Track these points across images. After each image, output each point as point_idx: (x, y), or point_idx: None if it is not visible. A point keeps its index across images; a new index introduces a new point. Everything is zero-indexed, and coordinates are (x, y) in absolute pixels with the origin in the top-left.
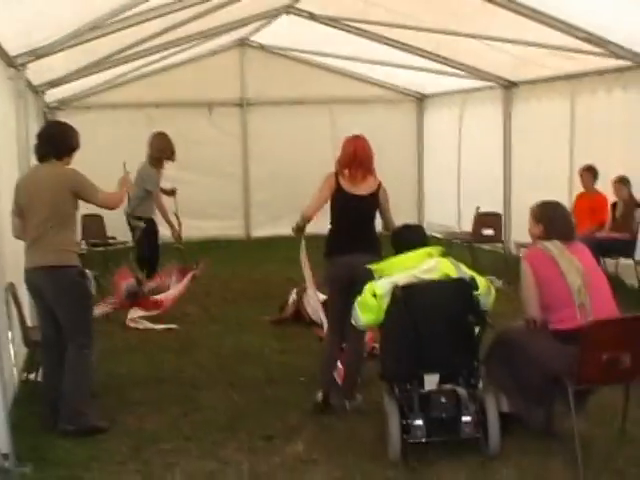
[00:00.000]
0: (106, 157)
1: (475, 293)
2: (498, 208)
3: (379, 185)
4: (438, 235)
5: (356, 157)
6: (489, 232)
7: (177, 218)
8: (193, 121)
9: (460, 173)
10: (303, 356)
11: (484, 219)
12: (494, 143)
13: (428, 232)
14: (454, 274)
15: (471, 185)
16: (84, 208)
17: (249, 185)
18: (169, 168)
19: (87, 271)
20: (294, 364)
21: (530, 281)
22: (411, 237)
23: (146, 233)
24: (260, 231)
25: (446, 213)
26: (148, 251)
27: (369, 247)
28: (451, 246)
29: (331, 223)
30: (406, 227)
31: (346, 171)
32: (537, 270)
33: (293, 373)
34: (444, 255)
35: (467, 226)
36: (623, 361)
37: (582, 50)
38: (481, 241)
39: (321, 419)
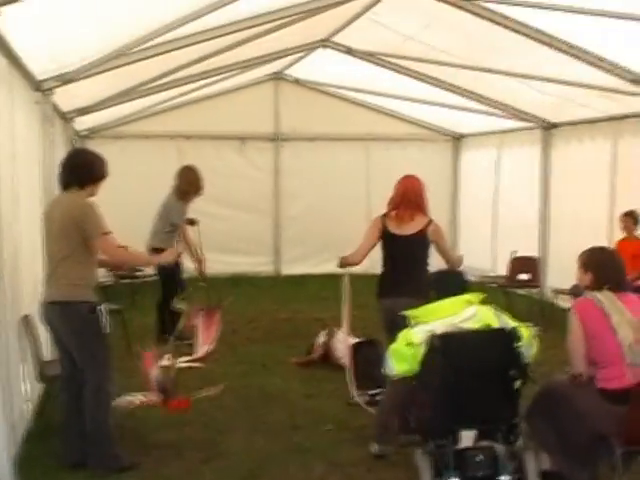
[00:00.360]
0: (135, 188)
1: (517, 345)
2: (534, 252)
3: (428, 223)
4: (471, 278)
5: (404, 197)
6: (525, 277)
7: (201, 252)
8: (224, 154)
9: (496, 215)
10: (330, 402)
11: (520, 263)
12: (532, 185)
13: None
14: (495, 324)
15: (507, 228)
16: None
17: (280, 221)
18: (198, 201)
19: (101, 307)
20: (320, 410)
21: (578, 334)
22: (450, 282)
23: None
24: (290, 269)
25: (480, 256)
26: (169, 284)
27: (414, 290)
28: (485, 290)
29: (382, 265)
30: (445, 272)
31: (393, 212)
32: (586, 323)
33: (319, 420)
34: (485, 303)
35: (502, 270)
36: None
37: (627, 91)
38: (516, 286)
39: (348, 470)
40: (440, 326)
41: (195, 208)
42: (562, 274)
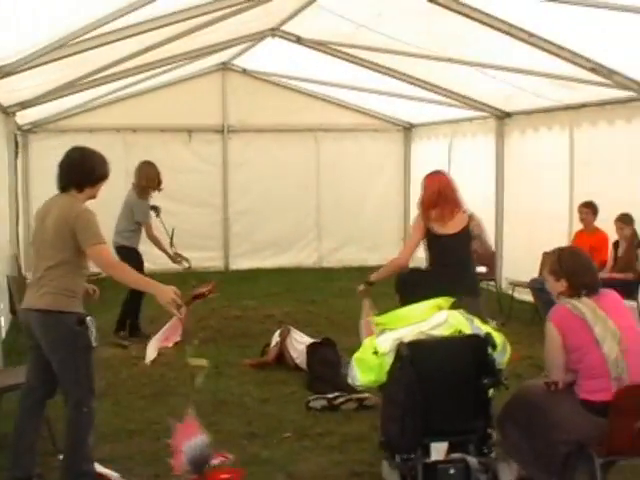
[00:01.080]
0: None
1: (491, 351)
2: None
3: (469, 218)
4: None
5: (441, 195)
6: (481, 270)
7: (171, 239)
8: (172, 147)
9: None
10: (287, 406)
11: (475, 256)
12: (486, 176)
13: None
14: (467, 329)
15: None
16: None
17: (229, 215)
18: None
19: (89, 318)
20: (278, 416)
21: (557, 345)
22: (417, 286)
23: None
24: (239, 263)
25: None
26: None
27: (469, 287)
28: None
29: (429, 264)
30: (411, 274)
31: (432, 212)
32: (567, 335)
33: (277, 427)
34: (455, 307)
35: None
36: None
37: (585, 80)
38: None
39: None
40: (408, 333)
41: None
42: (517, 266)
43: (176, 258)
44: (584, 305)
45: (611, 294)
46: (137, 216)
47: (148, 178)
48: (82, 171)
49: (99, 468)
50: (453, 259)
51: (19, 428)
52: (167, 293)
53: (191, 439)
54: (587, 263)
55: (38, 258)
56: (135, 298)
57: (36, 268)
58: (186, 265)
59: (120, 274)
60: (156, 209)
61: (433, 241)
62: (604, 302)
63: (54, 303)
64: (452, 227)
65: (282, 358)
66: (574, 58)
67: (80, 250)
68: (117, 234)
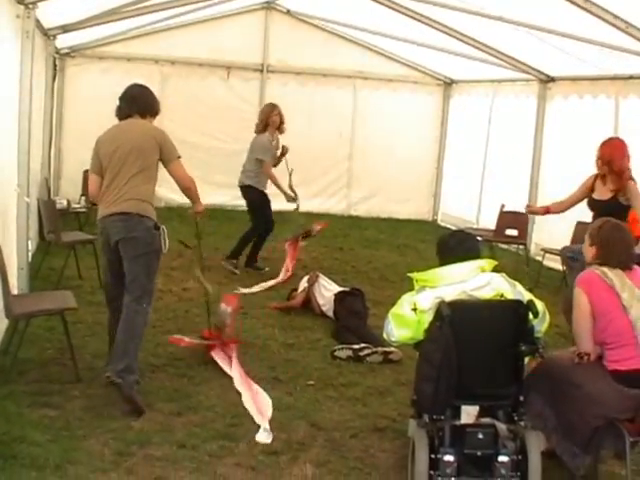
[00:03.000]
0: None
1: (531, 318)
2: (522, 208)
3: (622, 187)
4: (453, 228)
5: (607, 163)
6: (513, 232)
7: (290, 178)
8: (209, 83)
9: (485, 167)
10: (312, 353)
11: (508, 218)
12: (525, 139)
13: (443, 224)
14: (510, 294)
15: (496, 181)
16: (86, 163)
17: None
18: (180, 129)
19: (163, 226)
20: (302, 363)
21: (585, 311)
22: (461, 245)
23: (258, 206)
24: (276, 204)
25: (465, 206)
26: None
27: None
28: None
29: None
30: (455, 234)
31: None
32: (594, 300)
33: (300, 374)
34: (498, 270)
35: (486, 223)
36: None
37: (637, 52)
38: (503, 241)
39: (331, 435)
40: (450, 293)
41: (174, 136)
42: (550, 233)
43: (289, 198)
44: (613, 273)
45: (639, 270)
46: (255, 153)
47: (263, 114)
48: (147, 102)
49: None
50: None
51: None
52: (201, 206)
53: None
54: (625, 239)
55: (116, 173)
56: (257, 232)
57: (112, 183)
58: (294, 206)
59: (190, 185)
60: (283, 148)
61: (590, 205)
62: (633, 275)
63: (137, 207)
64: (605, 194)
65: (309, 304)
66: (628, 28)
67: (157, 164)
68: (242, 173)
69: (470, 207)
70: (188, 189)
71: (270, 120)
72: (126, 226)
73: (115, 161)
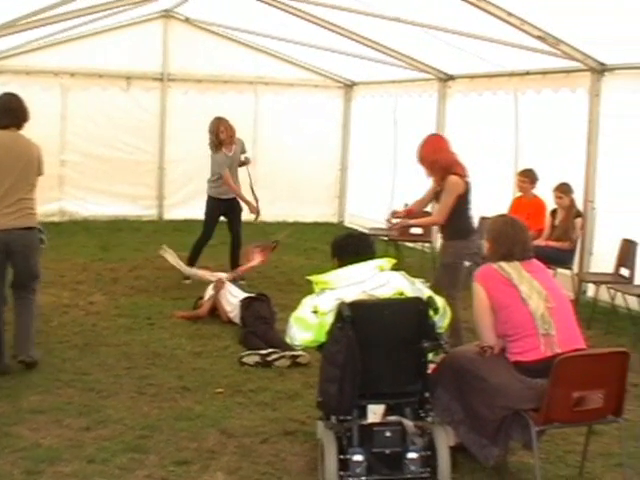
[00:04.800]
0: None
1: (432, 315)
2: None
3: (438, 180)
4: (360, 229)
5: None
6: (418, 231)
7: (253, 192)
8: (110, 94)
9: (395, 167)
10: (220, 361)
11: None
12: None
13: (349, 225)
14: (409, 292)
15: (405, 180)
16: None
17: (164, 164)
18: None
19: (42, 228)
20: (210, 370)
21: (485, 305)
22: (358, 246)
23: (205, 213)
24: (173, 213)
25: (373, 207)
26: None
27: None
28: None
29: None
30: (351, 235)
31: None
32: (493, 294)
33: (209, 382)
34: (396, 269)
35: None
36: (594, 399)
37: (532, 48)
38: (409, 240)
39: (242, 441)
40: (350, 294)
41: (76, 148)
42: None
43: (253, 210)
44: (510, 267)
45: (535, 261)
46: (212, 168)
47: (211, 133)
48: (24, 113)
49: None
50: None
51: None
52: None
53: None
54: (517, 233)
55: (9, 185)
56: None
57: (7, 196)
58: (254, 218)
59: None
60: (246, 159)
61: (467, 193)
62: (529, 266)
63: (33, 221)
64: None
65: (216, 311)
66: (522, 25)
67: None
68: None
69: (381, 208)
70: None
71: (220, 139)
72: (27, 239)
73: (5, 174)
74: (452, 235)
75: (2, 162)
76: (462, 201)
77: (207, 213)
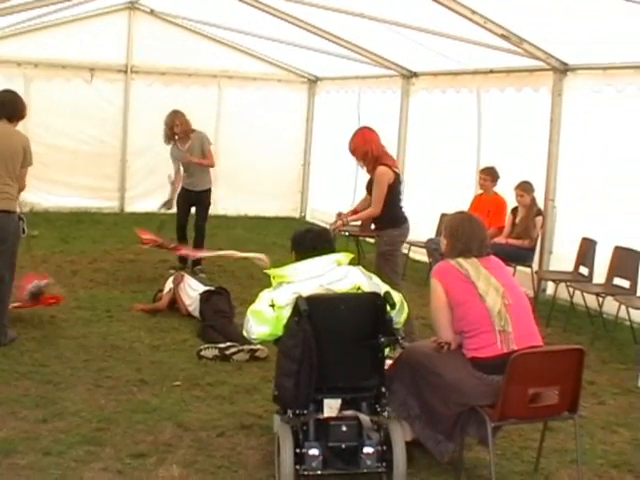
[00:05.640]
0: None
1: (389, 310)
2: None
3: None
4: (321, 224)
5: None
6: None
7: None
8: (73, 85)
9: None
10: (178, 354)
11: None
12: (390, 134)
13: (311, 220)
14: (365, 286)
15: (365, 176)
16: None
17: (126, 156)
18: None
19: (23, 216)
20: (168, 363)
21: (442, 301)
22: (317, 241)
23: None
24: (135, 206)
25: (335, 202)
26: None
27: None
28: (335, 237)
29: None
30: (310, 230)
31: (388, 158)
32: (450, 290)
33: (167, 375)
34: (354, 263)
35: None
36: (550, 396)
37: (495, 46)
38: (370, 235)
39: (198, 434)
40: (307, 287)
41: (40, 140)
42: (416, 225)
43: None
44: (468, 263)
45: (493, 258)
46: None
47: (165, 125)
48: (15, 108)
49: None
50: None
51: None
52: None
53: (32, 282)
54: (474, 230)
55: None
56: None
57: None
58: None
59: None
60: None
61: (397, 183)
62: (487, 263)
63: (10, 205)
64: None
65: (175, 304)
66: (485, 23)
67: (22, 167)
68: None
69: (343, 203)
70: (21, 190)
71: (173, 132)
72: (1, 222)
73: None
74: (385, 225)
75: None
76: (393, 191)
77: (177, 202)
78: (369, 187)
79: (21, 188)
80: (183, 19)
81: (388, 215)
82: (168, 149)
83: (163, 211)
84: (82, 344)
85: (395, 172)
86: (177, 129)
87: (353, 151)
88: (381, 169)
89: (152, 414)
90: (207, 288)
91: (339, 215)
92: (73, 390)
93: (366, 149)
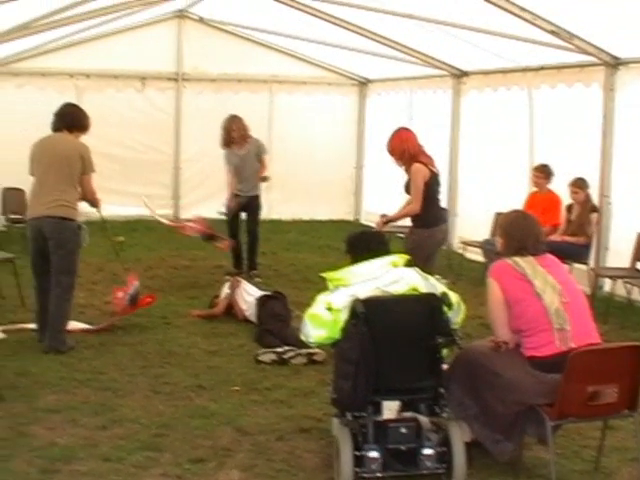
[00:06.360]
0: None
1: (446, 310)
2: (442, 202)
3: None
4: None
5: (419, 143)
6: None
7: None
8: (125, 94)
9: None
10: (236, 359)
11: None
12: (442, 134)
13: (365, 222)
14: (422, 288)
15: None
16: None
17: (179, 163)
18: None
19: (84, 226)
20: (225, 369)
21: (498, 300)
22: (372, 243)
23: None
24: (189, 212)
25: (389, 204)
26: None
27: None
28: (391, 240)
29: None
30: (364, 232)
31: (422, 157)
32: (507, 289)
33: (224, 380)
34: (410, 265)
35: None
36: (609, 394)
37: (545, 43)
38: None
39: (257, 439)
40: (364, 290)
41: (93, 149)
42: (471, 226)
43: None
44: (524, 261)
45: (549, 256)
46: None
47: (223, 129)
48: (74, 119)
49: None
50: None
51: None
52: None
53: (136, 283)
54: (528, 227)
55: (44, 180)
56: None
57: (42, 189)
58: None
59: (92, 197)
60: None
61: (433, 181)
62: (543, 261)
63: (65, 212)
64: (436, 167)
65: (231, 310)
66: (535, 20)
67: (81, 174)
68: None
69: (397, 205)
70: (91, 200)
71: (231, 137)
72: (56, 228)
73: (43, 168)
74: (416, 223)
75: (40, 160)
76: (429, 190)
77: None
78: (407, 188)
79: (87, 194)
80: (232, 26)
81: (423, 214)
82: (220, 155)
83: (223, 217)
84: (139, 351)
85: (431, 170)
86: (235, 134)
87: (391, 152)
88: (415, 166)
89: (210, 419)
90: (264, 293)
91: (383, 217)
92: (131, 397)
93: (402, 148)
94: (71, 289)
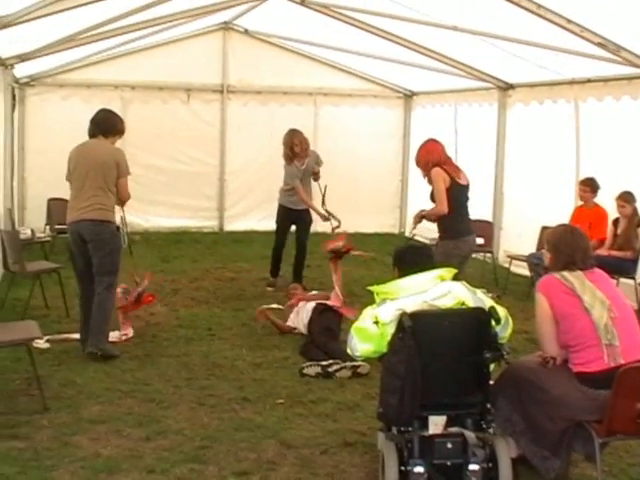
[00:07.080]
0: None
1: (494, 325)
2: (488, 215)
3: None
4: (421, 239)
5: (445, 154)
6: (479, 241)
7: (323, 197)
8: (170, 106)
9: None
10: (280, 372)
11: (475, 226)
12: (488, 147)
13: (410, 235)
14: (470, 302)
15: None
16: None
17: (224, 175)
18: (142, 153)
19: (120, 225)
20: (270, 381)
21: (547, 315)
22: (418, 256)
23: (276, 221)
24: (234, 225)
25: None
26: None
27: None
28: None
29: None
30: (411, 247)
31: (445, 166)
32: (555, 303)
33: (269, 393)
34: (457, 279)
35: None
36: None
37: (592, 55)
38: None
39: (302, 452)
40: (411, 304)
41: (138, 161)
42: (516, 239)
43: (325, 217)
44: (573, 276)
45: (597, 270)
46: (285, 179)
47: (284, 145)
48: (109, 125)
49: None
50: (468, 209)
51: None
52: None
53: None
54: (577, 242)
55: (81, 184)
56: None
57: (80, 193)
58: (335, 224)
59: (126, 198)
60: (316, 174)
61: (457, 191)
62: (591, 276)
63: (103, 215)
64: (464, 179)
65: (293, 330)
66: (582, 32)
67: (117, 178)
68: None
69: None
70: (124, 200)
71: (294, 152)
72: (95, 230)
73: (80, 174)
74: (442, 235)
75: (77, 167)
76: (452, 198)
77: (278, 221)
78: (432, 196)
79: (123, 198)
80: (277, 38)
81: (445, 225)
82: (265, 166)
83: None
84: (184, 362)
85: (453, 179)
86: (297, 149)
87: (417, 163)
88: (434, 170)
89: (255, 432)
90: (320, 301)
91: (420, 211)
92: (175, 408)
93: (427, 160)
94: (112, 288)
